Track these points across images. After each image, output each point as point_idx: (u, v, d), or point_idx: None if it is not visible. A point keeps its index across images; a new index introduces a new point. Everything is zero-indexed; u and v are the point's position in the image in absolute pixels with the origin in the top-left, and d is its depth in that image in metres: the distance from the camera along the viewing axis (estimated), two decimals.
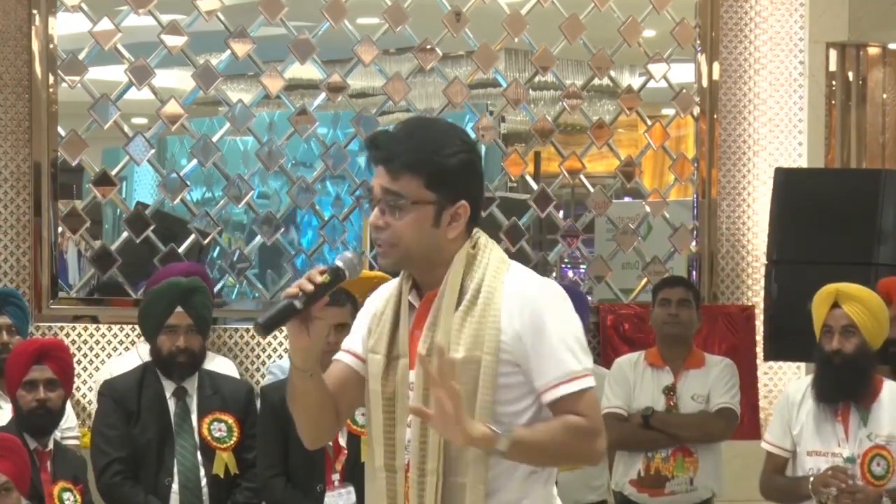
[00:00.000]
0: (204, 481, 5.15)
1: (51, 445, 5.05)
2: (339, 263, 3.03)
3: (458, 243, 3.06)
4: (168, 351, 5.21)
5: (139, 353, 5.85)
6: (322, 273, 2.99)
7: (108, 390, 5.25)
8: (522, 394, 3.02)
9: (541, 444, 2.96)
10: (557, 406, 2.99)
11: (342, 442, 5.19)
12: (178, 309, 5.24)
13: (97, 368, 6.70)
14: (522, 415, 3.02)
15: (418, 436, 3.01)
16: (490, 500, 2.98)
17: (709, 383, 6.02)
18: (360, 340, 3.17)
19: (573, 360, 2.99)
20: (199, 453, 5.16)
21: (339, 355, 3.21)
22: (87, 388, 6.72)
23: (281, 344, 7.03)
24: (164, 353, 5.22)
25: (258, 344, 7.06)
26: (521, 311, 2.99)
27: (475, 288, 3.03)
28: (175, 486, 5.12)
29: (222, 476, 5.18)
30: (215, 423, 5.18)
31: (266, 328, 2.99)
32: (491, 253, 3.09)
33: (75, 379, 6.52)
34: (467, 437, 2.89)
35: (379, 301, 3.17)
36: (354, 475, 5.20)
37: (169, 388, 5.22)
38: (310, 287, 2.97)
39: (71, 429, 5.66)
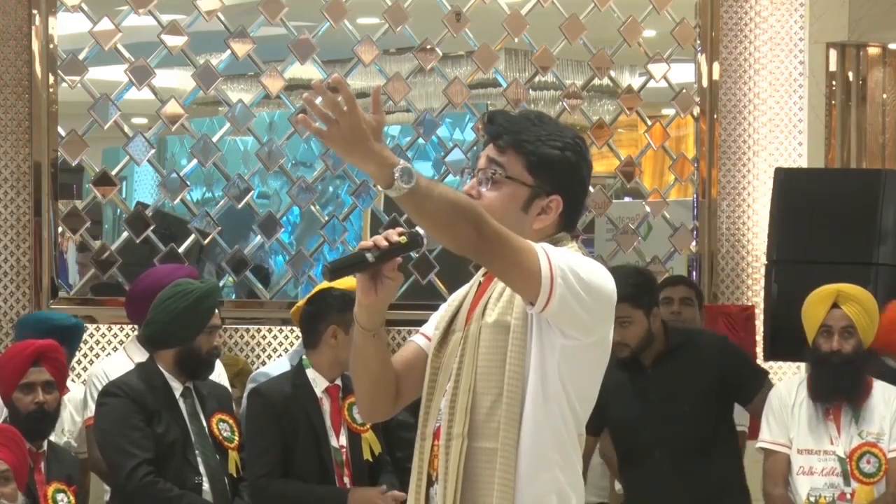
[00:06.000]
0: (225, 480, 5.14)
1: (45, 447, 5.03)
2: (420, 229, 3.01)
3: (539, 236, 3.05)
4: (207, 350, 5.19)
5: (128, 354, 5.80)
6: (401, 234, 2.97)
7: (123, 389, 5.11)
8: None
9: (437, 195, 2.82)
10: None
11: (343, 441, 5.18)
12: (216, 310, 5.27)
13: None
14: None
15: (449, 400, 3.01)
16: (520, 467, 2.96)
17: None
18: (434, 324, 3.18)
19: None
20: (216, 453, 5.14)
21: (413, 337, 3.22)
22: (87, 386, 6.71)
23: (281, 344, 7.03)
24: (203, 353, 5.18)
25: (258, 344, 7.06)
26: None
27: None
28: (206, 485, 5.06)
29: (236, 476, 5.16)
30: (222, 423, 5.17)
31: (334, 272, 2.96)
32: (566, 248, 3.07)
33: (75, 379, 6.54)
34: (368, 152, 2.77)
35: (466, 286, 3.19)
36: (360, 475, 5.19)
37: (177, 388, 5.18)
38: (384, 243, 2.95)
39: (71, 432, 5.64)
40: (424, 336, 3.19)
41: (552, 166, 3.05)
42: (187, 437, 5.10)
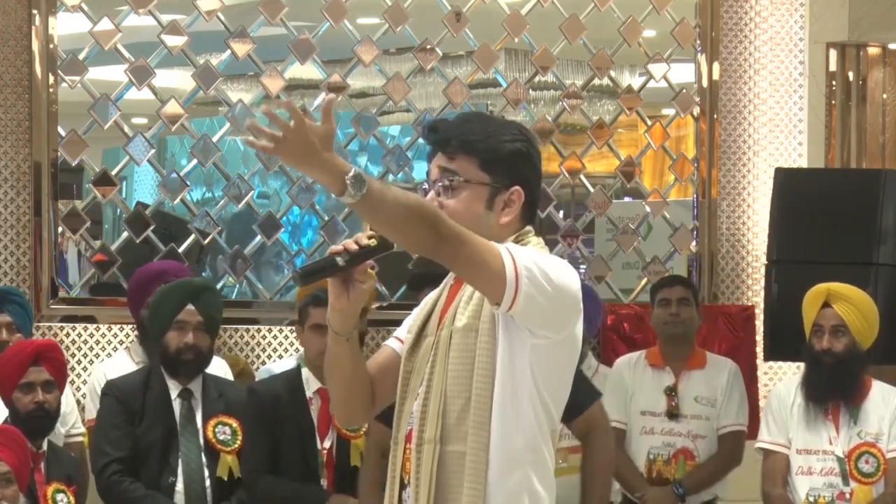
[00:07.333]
0: (207, 483, 5.14)
1: (45, 447, 5.03)
2: None
3: (509, 230, 3.08)
4: (176, 347, 5.18)
5: (131, 355, 5.82)
6: (370, 237, 2.97)
7: (112, 390, 5.20)
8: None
9: (391, 199, 2.82)
10: None
11: (328, 443, 5.17)
12: (189, 306, 5.23)
13: None
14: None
15: (420, 404, 3.02)
16: (491, 469, 2.96)
17: (714, 387, 5.99)
18: (407, 327, 3.19)
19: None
20: (203, 455, 5.15)
21: (388, 341, 3.23)
22: (87, 388, 6.71)
23: (281, 344, 7.03)
24: (171, 349, 5.18)
25: (258, 344, 7.06)
26: None
27: None
28: (179, 486, 5.11)
29: (226, 479, 5.17)
30: (220, 426, 5.17)
31: (304, 277, 2.97)
32: (531, 247, 3.07)
33: (75, 379, 6.55)
34: (319, 163, 2.77)
35: (437, 289, 3.19)
36: (346, 481, 5.18)
37: (174, 389, 5.20)
38: (354, 247, 2.96)
39: (76, 426, 5.66)
40: (398, 340, 3.20)
41: (504, 160, 3.07)
42: (172, 438, 5.11)
